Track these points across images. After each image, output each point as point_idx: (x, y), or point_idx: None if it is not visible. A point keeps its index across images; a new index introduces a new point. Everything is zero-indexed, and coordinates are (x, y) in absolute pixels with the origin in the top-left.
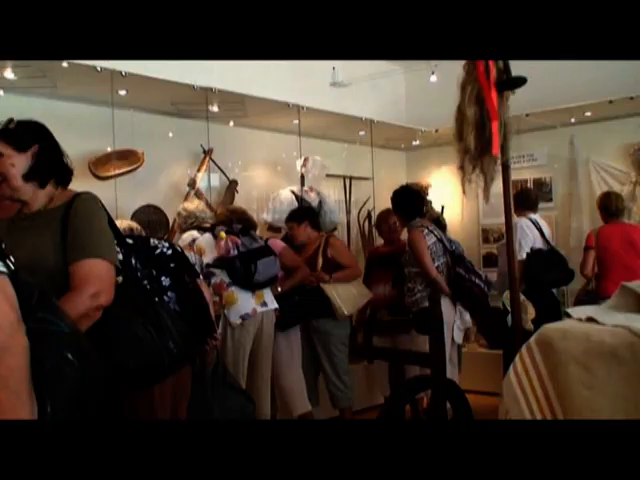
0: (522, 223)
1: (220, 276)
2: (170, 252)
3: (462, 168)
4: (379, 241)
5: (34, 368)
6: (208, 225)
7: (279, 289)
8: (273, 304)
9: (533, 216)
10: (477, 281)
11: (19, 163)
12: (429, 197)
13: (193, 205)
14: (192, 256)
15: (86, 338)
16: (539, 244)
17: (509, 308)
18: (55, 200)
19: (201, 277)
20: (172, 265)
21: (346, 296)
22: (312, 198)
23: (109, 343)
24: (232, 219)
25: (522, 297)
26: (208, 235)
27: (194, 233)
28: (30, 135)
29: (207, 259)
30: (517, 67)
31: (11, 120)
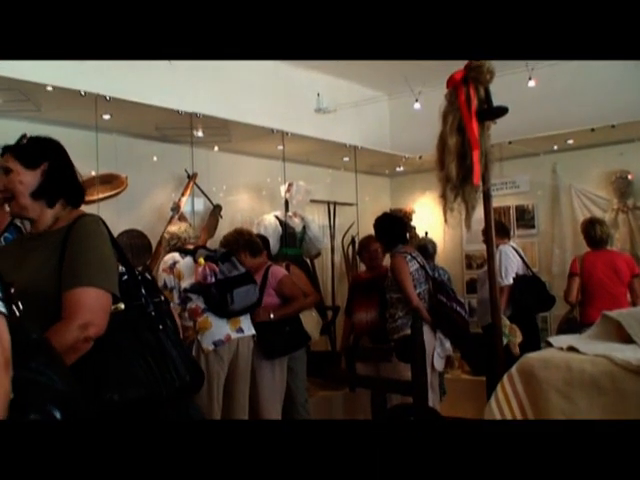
0: (506, 249)
1: (196, 301)
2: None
3: (444, 196)
4: (362, 267)
5: (14, 417)
6: (191, 247)
7: (271, 316)
8: (250, 330)
9: (511, 243)
10: (458, 308)
11: (28, 180)
12: (413, 223)
13: (176, 227)
14: (172, 280)
15: (80, 395)
16: (522, 270)
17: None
18: (61, 221)
19: (177, 302)
20: (143, 292)
21: (311, 322)
22: (296, 223)
23: (104, 375)
24: (238, 240)
25: (508, 322)
26: (189, 259)
27: (175, 256)
28: (40, 152)
29: (185, 284)
30: (499, 96)
31: (24, 136)
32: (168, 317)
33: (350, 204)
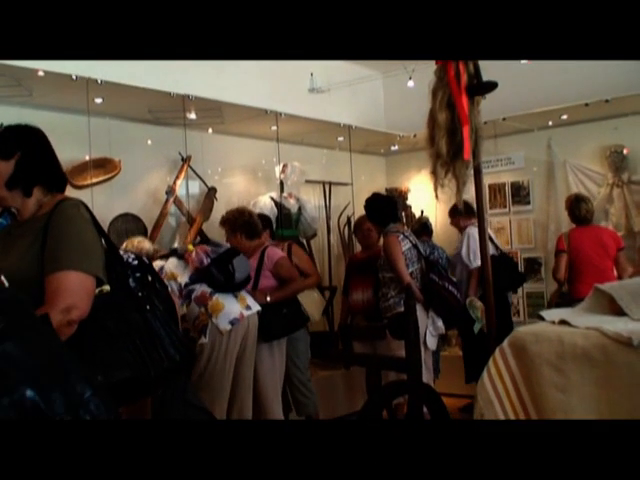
0: (472, 231)
1: (200, 288)
2: (136, 263)
3: (434, 173)
4: (358, 247)
5: None
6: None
7: (268, 299)
8: (256, 306)
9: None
10: (450, 287)
11: (2, 171)
12: (409, 202)
13: (135, 242)
14: (170, 284)
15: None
16: (491, 250)
17: (472, 314)
18: (45, 207)
19: (181, 302)
20: (138, 275)
21: (311, 303)
22: (291, 204)
23: (89, 357)
24: (237, 220)
25: (479, 304)
26: (172, 259)
27: (157, 262)
28: (14, 142)
29: (183, 279)
30: (491, 73)
31: (0, 126)
32: (158, 298)
33: (345, 184)
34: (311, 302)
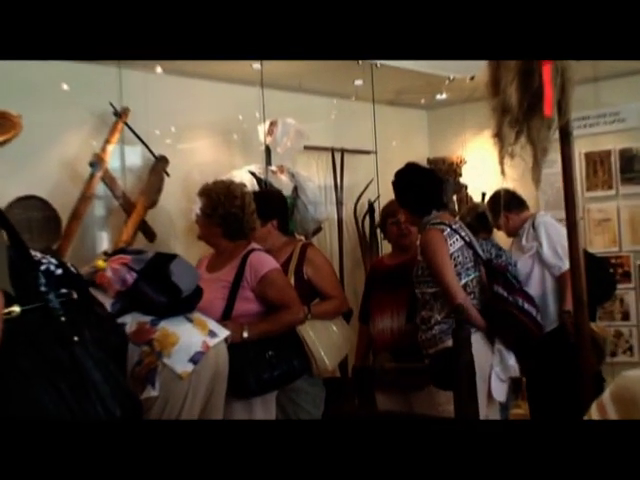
0: (549, 219)
1: (134, 320)
2: (60, 272)
3: (499, 136)
4: (387, 248)
5: None
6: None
7: (245, 334)
8: (222, 331)
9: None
10: (526, 305)
11: None
12: (463, 179)
13: None
14: None
15: None
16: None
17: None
18: None
19: None
20: (63, 292)
21: (328, 341)
22: (283, 182)
23: None
24: (217, 209)
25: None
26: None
27: None
28: None
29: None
30: None
31: None
32: (92, 325)
33: (366, 152)
34: (328, 338)
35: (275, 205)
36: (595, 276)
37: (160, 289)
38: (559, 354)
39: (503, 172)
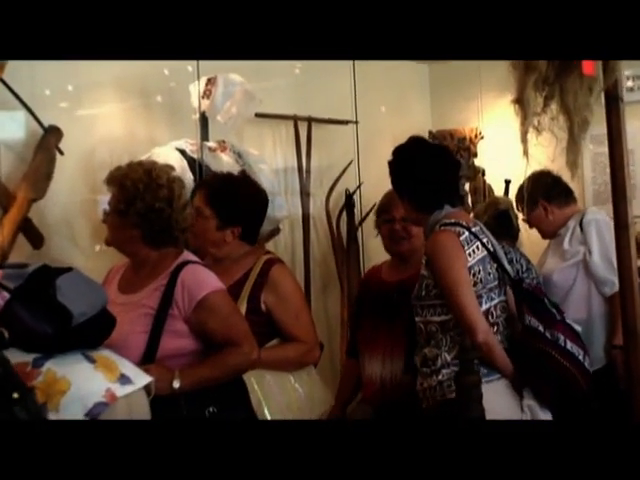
0: (602, 218)
1: (13, 358)
2: None
3: (521, 102)
4: (378, 255)
5: None
6: None
7: (175, 383)
8: (141, 378)
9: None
10: (569, 345)
11: None
12: (479, 161)
13: None
14: None
15: None
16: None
17: None
18: None
19: None
20: None
21: (282, 404)
22: (225, 163)
23: None
24: (135, 202)
25: None
26: None
27: None
28: None
29: None
30: None
31: None
32: None
33: (343, 122)
34: (283, 400)
35: (248, 205)
36: None
37: (42, 314)
38: (605, 404)
39: (526, 153)
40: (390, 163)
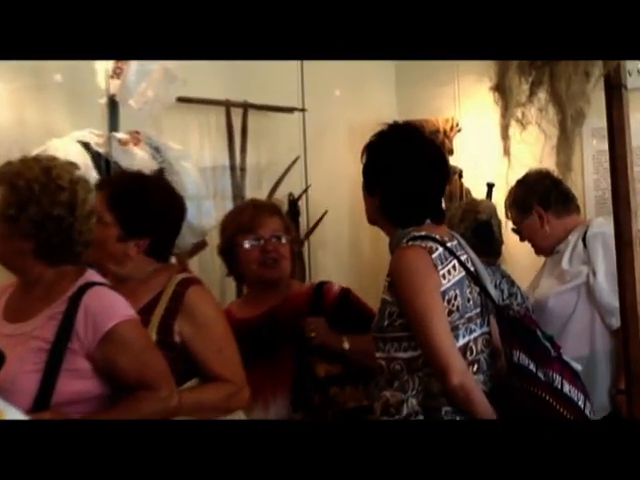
0: (608, 231)
1: None
2: None
3: (501, 88)
4: (327, 273)
5: None
6: None
7: None
8: None
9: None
10: (566, 388)
11: None
12: (455, 159)
13: None
14: None
15: None
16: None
17: None
18: None
19: None
20: None
21: None
22: (139, 159)
23: None
24: (27, 206)
25: None
26: None
27: None
28: None
29: None
30: None
31: None
32: None
33: (287, 110)
34: None
35: (159, 213)
36: None
37: None
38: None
39: (507, 151)
40: (369, 149)
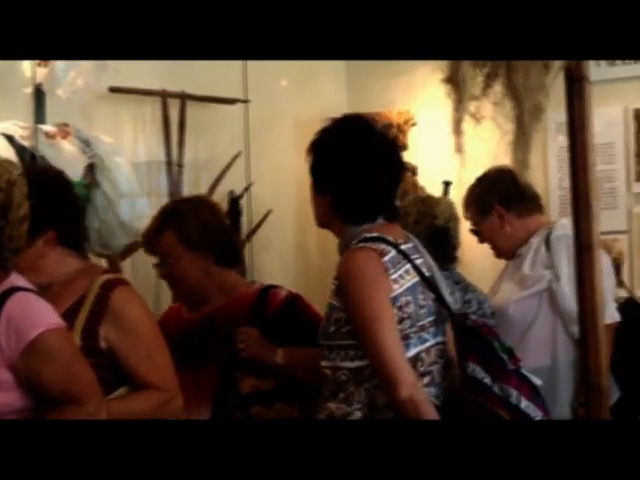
0: (568, 233)
1: None
2: None
3: (454, 80)
4: (272, 277)
5: None
6: None
7: None
8: None
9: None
10: (524, 404)
11: None
12: (409, 155)
13: None
14: None
15: None
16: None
17: None
18: None
19: None
20: None
21: None
22: (68, 154)
23: None
24: None
25: None
26: None
27: None
28: None
29: None
30: None
31: None
32: None
33: (229, 101)
34: None
35: (52, 201)
36: None
37: None
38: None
39: (460, 148)
40: (315, 147)
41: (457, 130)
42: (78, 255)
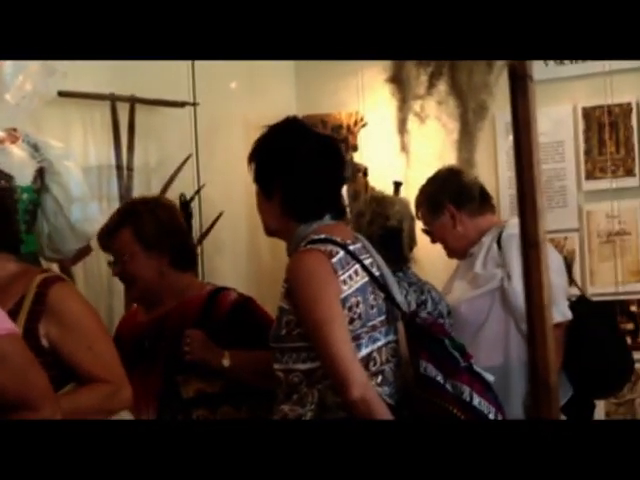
0: (516, 232)
1: None
2: None
3: (398, 80)
4: (227, 282)
5: None
6: None
7: None
8: None
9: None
10: (476, 400)
11: None
12: (358, 156)
13: None
14: None
15: None
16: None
17: None
18: None
19: None
20: None
21: None
22: (17, 159)
23: None
24: None
25: None
26: None
27: None
28: None
29: None
30: None
31: None
32: None
33: (178, 104)
34: None
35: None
36: (598, 345)
37: None
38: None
39: (405, 148)
40: (256, 152)
41: (402, 130)
42: (16, 259)
